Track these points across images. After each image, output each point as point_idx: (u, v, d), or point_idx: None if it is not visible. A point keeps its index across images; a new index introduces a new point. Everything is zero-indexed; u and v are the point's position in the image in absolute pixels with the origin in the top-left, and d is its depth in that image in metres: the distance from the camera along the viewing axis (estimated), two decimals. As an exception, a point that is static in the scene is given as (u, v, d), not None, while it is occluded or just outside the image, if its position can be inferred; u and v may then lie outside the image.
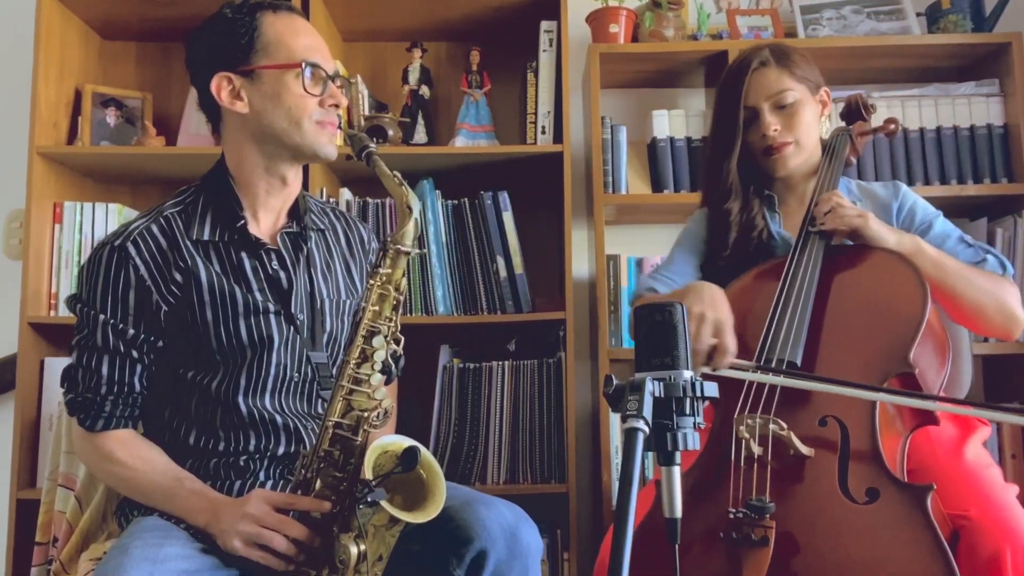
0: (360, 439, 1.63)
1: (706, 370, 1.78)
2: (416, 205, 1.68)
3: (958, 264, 1.97)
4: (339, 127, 1.85)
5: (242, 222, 1.82)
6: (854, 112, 2.29)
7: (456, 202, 2.96)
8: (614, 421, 2.87)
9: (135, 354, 1.76)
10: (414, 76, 3.15)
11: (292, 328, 1.82)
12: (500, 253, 2.92)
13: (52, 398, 2.81)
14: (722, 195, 2.17)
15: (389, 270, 1.67)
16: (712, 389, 1.22)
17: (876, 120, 2.29)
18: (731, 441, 1.76)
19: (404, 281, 1.69)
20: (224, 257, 1.81)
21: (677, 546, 1.22)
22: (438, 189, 2.98)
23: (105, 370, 1.75)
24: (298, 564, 1.59)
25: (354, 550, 1.55)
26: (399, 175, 1.68)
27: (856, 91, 2.37)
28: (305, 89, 1.76)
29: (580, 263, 3.16)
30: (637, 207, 3.06)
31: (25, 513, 2.66)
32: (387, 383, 1.66)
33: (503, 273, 2.91)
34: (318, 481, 1.63)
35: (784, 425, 1.70)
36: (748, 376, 1.78)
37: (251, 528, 1.58)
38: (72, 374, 1.78)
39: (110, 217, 2.96)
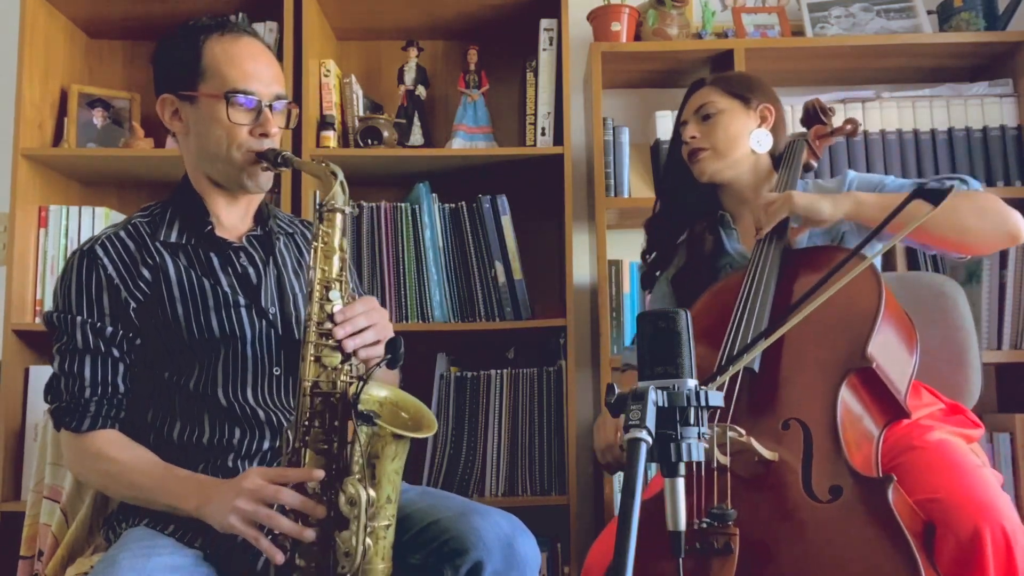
0: (339, 391, 1.66)
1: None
2: (339, 171, 1.75)
3: (899, 197, 1.95)
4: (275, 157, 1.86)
5: (209, 227, 1.88)
6: (812, 116, 2.35)
7: (453, 206, 2.96)
8: (616, 431, 2.83)
9: (116, 352, 1.79)
10: (410, 76, 3.13)
11: (264, 322, 1.86)
12: (499, 258, 2.91)
13: (37, 407, 2.81)
14: (659, 215, 2.42)
15: (328, 229, 1.72)
16: (717, 399, 1.21)
17: (836, 122, 2.35)
18: None
19: (345, 241, 1.74)
20: (192, 256, 1.86)
21: (680, 560, 1.22)
22: (435, 192, 2.98)
23: (88, 372, 1.77)
24: (300, 543, 1.58)
25: (362, 492, 1.54)
26: (315, 158, 1.79)
27: (810, 96, 2.46)
28: (230, 118, 1.81)
29: (581, 268, 3.14)
30: (640, 211, 3.02)
31: (9, 526, 2.64)
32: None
33: (502, 279, 2.91)
34: (308, 453, 1.63)
35: (742, 431, 1.69)
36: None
37: (248, 505, 1.56)
38: (55, 384, 1.80)
39: (97, 221, 2.95)
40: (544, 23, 3.00)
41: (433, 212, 2.93)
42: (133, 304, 1.80)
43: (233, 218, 1.93)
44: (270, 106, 1.85)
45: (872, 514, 1.55)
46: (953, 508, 1.60)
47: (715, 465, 1.69)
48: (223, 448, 1.79)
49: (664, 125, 3.03)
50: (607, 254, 2.94)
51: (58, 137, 3.04)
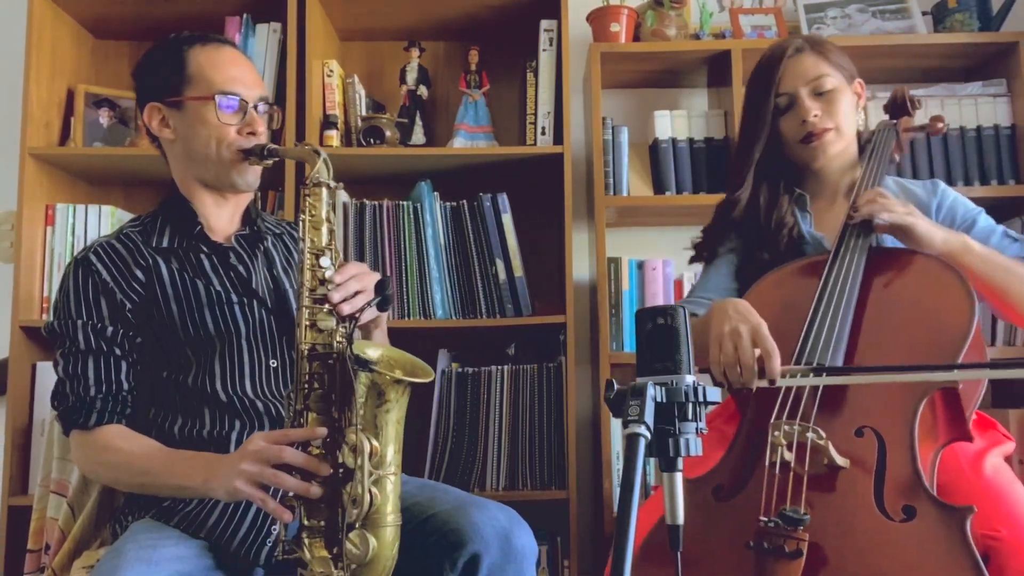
0: (336, 351, 1.68)
1: (761, 383, 1.72)
2: (321, 150, 1.78)
3: (1007, 260, 1.91)
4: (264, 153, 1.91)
5: (199, 227, 1.93)
6: (899, 107, 2.22)
7: (455, 204, 2.96)
8: (615, 426, 2.86)
9: (117, 351, 1.82)
10: (412, 76, 3.14)
11: (257, 317, 1.89)
12: (499, 256, 2.91)
13: (44, 403, 2.80)
14: (736, 184, 2.15)
15: (314, 202, 1.75)
16: (715, 394, 1.21)
17: (920, 117, 2.24)
18: (763, 446, 1.71)
19: (332, 214, 1.77)
20: (184, 259, 1.91)
21: (679, 554, 1.20)
22: (436, 191, 2.98)
23: (92, 372, 1.80)
24: (308, 501, 1.60)
25: (366, 442, 1.56)
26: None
27: (900, 85, 2.29)
28: (218, 118, 1.88)
29: (581, 266, 3.15)
30: (639, 209, 3.06)
31: (17, 520, 2.66)
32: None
33: (502, 276, 2.91)
34: (310, 415, 1.65)
35: (823, 434, 1.65)
36: (799, 382, 1.72)
37: (253, 467, 1.57)
38: (60, 388, 1.83)
39: (103, 219, 2.96)
40: (544, 24, 3.00)
41: (435, 210, 2.93)
42: (129, 305, 1.84)
43: (222, 221, 1.98)
44: (255, 107, 1.92)
45: (950, 543, 1.50)
46: (1013, 552, 1.56)
47: (779, 459, 1.65)
48: (223, 439, 1.80)
49: (662, 124, 3.04)
50: (606, 252, 2.94)
51: (65, 136, 3.04)
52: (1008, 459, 1.90)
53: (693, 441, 1.18)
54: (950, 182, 2.95)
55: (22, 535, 2.22)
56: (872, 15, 3.12)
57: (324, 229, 1.75)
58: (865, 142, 2.16)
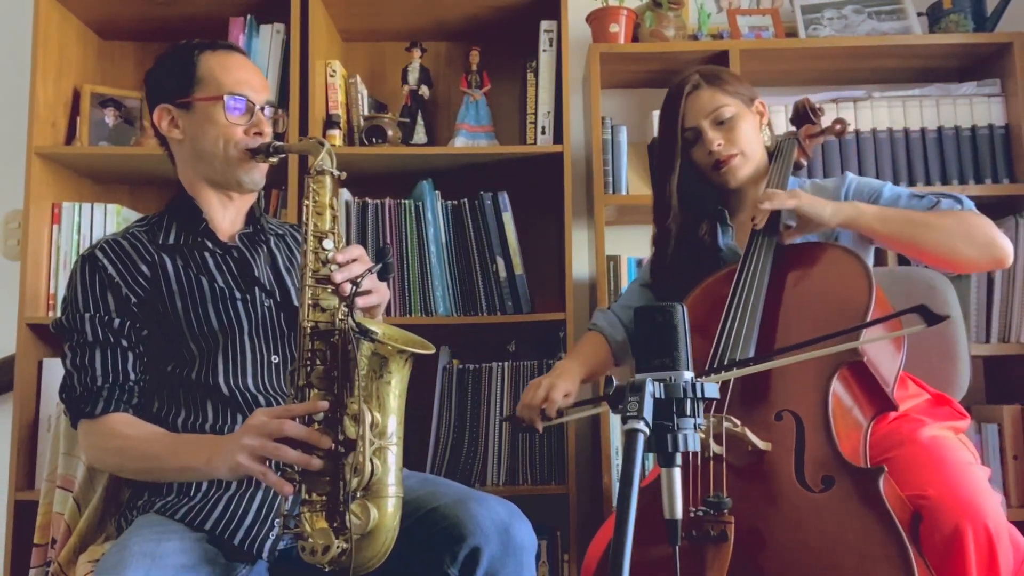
0: (337, 327, 1.69)
1: (541, 423, 2.07)
2: (325, 141, 1.83)
3: (907, 212, 2.00)
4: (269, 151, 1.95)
5: (204, 224, 1.96)
6: (801, 116, 2.34)
7: (456, 202, 2.97)
8: (614, 422, 2.87)
9: (124, 343, 1.85)
10: (413, 76, 3.15)
11: (260, 313, 1.91)
12: (500, 254, 2.93)
13: (50, 399, 2.81)
14: (663, 214, 2.25)
15: (318, 190, 1.79)
16: (713, 390, 1.23)
17: (825, 122, 2.33)
18: None
19: (336, 202, 1.81)
20: (188, 256, 1.93)
21: (677, 548, 1.23)
22: (437, 190, 2.99)
23: (99, 362, 1.83)
24: (309, 473, 1.60)
25: (367, 412, 1.57)
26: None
27: (802, 96, 2.41)
28: (227, 118, 1.91)
29: (580, 264, 3.17)
30: (637, 208, 3.05)
31: (23, 514, 2.67)
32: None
33: (503, 274, 2.92)
34: (312, 392, 1.65)
35: (737, 421, 1.71)
36: (586, 413, 2.04)
37: (254, 441, 1.58)
38: (68, 381, 1.84)
39: (108, 218, 2.97)
40: (544, 25, 3.01)
41: (436, 209, 2.94)
42: (134, 299, 1.86)
43: (227, 220, 2.01)
44: (262, 109, 1.96)
45: (864, 504, 1.56)
46: (940, 508, 1.61)
47: (709, 455, 1.70)
48: (225, 430, 1.81)
49: (661, 124, 3.07)
50: (605, 249, 2.95)
51: (71, 136, 3.05)
52: (962, 433, 2.00)
53: (691, 436, 1.20)
54: (945, 182, 2.98)
55: (28, 530, 2.23)
56: (868, 16, 3.13)
57: (327, 215, 1.78)
58: (771, 154, 2.27)
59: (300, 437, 1.58)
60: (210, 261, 1.93)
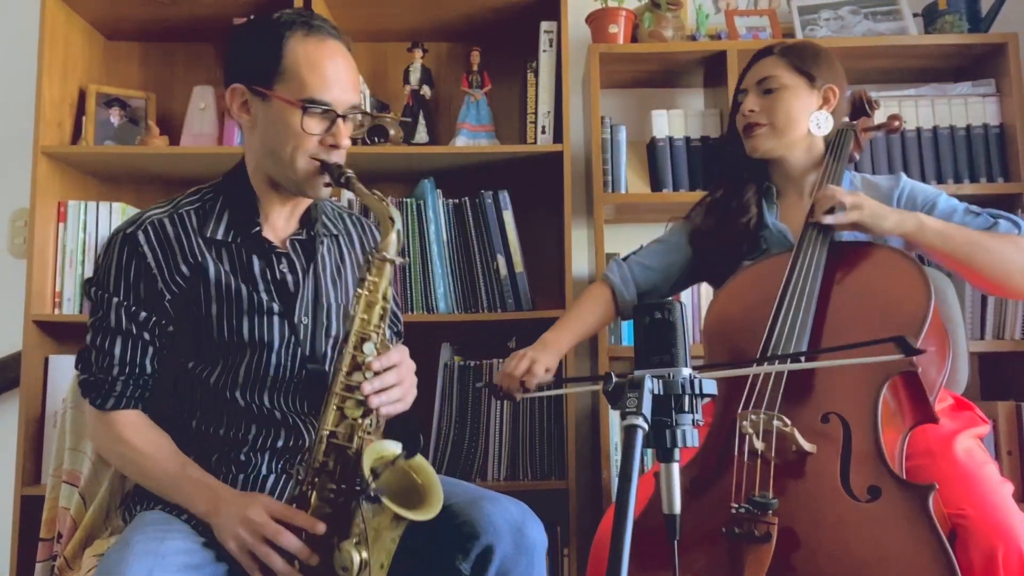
0: (355, 446, 1.66)
1: (520, 394, 2.15)
2: (397, 217, 1.70)
3: (967, 232, 1.96)
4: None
5: (257, 228, 1.85)
6: (857, 108, 2.31)
7: (457, 201, 2.99)
8: (614, 418, 2.88)
9: (147, 336, 1.79)
10: (415, 76, 3.17)
11: (293, 332, 1.84)
12: (500, 252, 2.94)
13: (56, 395, 2.82)
14: (720, 176, 2.29)
15: (376, 279, 1.70)
16: (711, 387, 1.24)
17: (879, 117, 2.31)
18: (733, 436, 1.76)
19: (390, 290, 1.73)
20: (235, 257, 1.84)
21: (676, 542, 1.24)
22: (439, 188, 3.01)
23: (118, 351, 1.78)
24: None
25: (356, 557, 1.55)
26: (378, 192, 1.71)
27: (858, 87, 2.39)
28: (303, 127, 1.75)
29: (580, 262, 3.17)
30: (636, 206, 3.08)
31: (29, 509, 2.69)
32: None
33: (503, 271, 2.94)
34: (314, 495, 1.65)
35: (788, 421, 1.70)
36: (565, 391, 2.03)
37: (248, 537, 1.59)
38: (86, 356, 1.80)
39: (114, 216, 2.98)
40: (544, 25, 3.02)
41: (437, 207, 2.96)
42: (168, 296, 1.78)
43: (281, 218, 1.89)
44: (344, 116, 1.79)
45: (913, 521, 1.55)
46: (977, 529, 1.61)
47: (751, 450, 1.70)
48: (237, 442, 1.80)
49: (660, 123, 3.06)
50: (605, 248, 2.95)
51: (76, 135, 3.07)
52: (982, 439, 1.98)
53: (690, 432, 1.21)
54: (940, 181, 2.99)
55: (35, 524, 2.23)
56: (864, 17, 3.15)
57: (377, 308, 1.70)
58: (827, 143, 2.24)
59: (292, 551, 1.58)
60: (256, 265, 1.83)
